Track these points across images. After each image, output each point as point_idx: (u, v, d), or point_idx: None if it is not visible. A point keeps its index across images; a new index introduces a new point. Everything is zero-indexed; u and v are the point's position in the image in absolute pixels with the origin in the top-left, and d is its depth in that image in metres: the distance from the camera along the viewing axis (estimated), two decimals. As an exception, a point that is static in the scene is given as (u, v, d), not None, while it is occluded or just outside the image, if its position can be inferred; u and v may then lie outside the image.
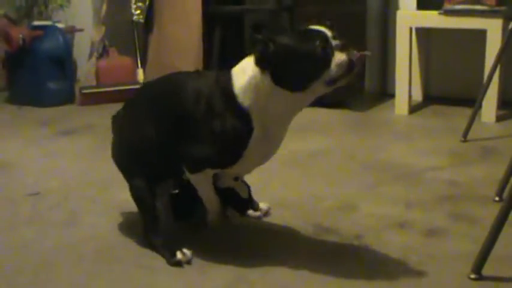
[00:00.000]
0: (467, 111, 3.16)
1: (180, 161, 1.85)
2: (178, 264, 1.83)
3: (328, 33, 1.72)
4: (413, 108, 3.83)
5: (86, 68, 4.65)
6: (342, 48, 1.69)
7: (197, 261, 1.85)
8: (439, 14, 3.53)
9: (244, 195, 2.12)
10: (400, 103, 3.75)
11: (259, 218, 2.17)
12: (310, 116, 3.77)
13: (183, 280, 1.76)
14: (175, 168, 1.88)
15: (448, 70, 4.13)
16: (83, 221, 2.19)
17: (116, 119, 2.07)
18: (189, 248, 1.87)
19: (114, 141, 2.05)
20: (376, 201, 2.32)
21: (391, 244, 1.94)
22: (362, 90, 3.84)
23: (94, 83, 4.41)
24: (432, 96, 4.12)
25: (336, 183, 2.55)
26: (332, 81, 1.70)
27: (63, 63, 4.40)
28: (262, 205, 2.20)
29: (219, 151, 1.79)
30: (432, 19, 3.59)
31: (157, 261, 1.87)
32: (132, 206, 1.99)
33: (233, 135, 1.76)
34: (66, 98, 4.35)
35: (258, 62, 1.71)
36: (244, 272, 1.78)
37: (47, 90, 4.33)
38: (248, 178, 2.13)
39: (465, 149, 2.98)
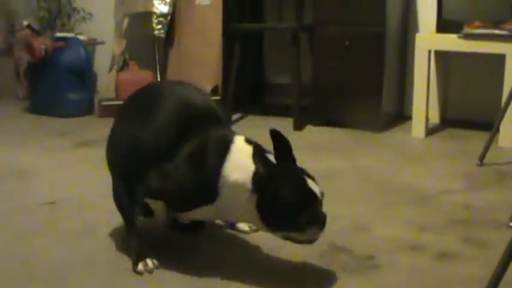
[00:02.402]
0: (484, 135, 3.15)
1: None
2: (139, 273, 1.88)
3: (319, 195, 1.80)
4: (430, 131, 3.82)
5: (105, 81, 4.70)
6: (323, 223, 1.79)
7: (204, 277, 1.86)
8: (459, 37, 3.53)
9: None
10: (417, 125, 3.75)
11: (246, 232, 2.19)
12: (325, 135, 3.79)
13: (193, 294, 1.77)
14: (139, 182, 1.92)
15: (466, 93, 4.12)
16: (98, 232, 2.21)
17: (116, 115, 2.12)
18: (154, 259, 1.91)
19: (108, 137, 2.10)
20: (389, 223, 2.32)
21: (402, 266, 1.94)
22: (379, 111, 3.84)
23: (113, 95, 4.45)
24: (449, 120, 4.11)
25: (350, 204, 2.55)
26: (301, 242, 1.80)
27: (83, 74, 4.46)
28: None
29: (171, 196, 1.85)
30: (451, 42, 3.59)
31: (170, 274, 1.88)
32: (146, 219, 2.01)
33: (189, 197, 1.82)
34: (85, 109, 4.40)
35: (254, 184, 1.75)
36: (252, 285, 1.79)
37: (66, 101, 4.38)
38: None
39: (481, 173, 2.97)
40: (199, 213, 1.86)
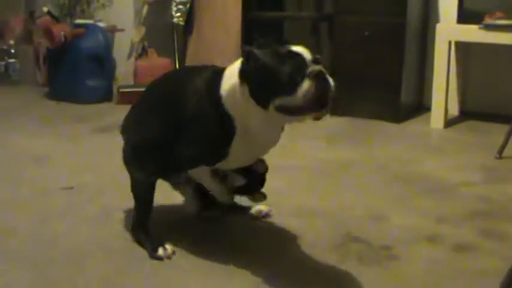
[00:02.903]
0: (504, 128, 3.12)
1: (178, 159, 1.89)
2: (159, 258, 1.89)
3: (308, 57, 1.70)
4: (449, 122, 3.80)
5: (124, 67, 4.71)
6: (317, 76, 1.65)
7: (222, 264, 1.87)
8: (479, 28, 3.50)
9: (238, 183, 2.10)
10: (436, 116, 3.73)
11: (261, 215, 2.22)
12: (344, 125, 3.77)
13: (211, 280, 1.78)
14: (176, 164, 1.92)
15: (486, 85, 4.09)
16: (115, 217, 2.23)
17: (125, 121, 2.12)
18: (171, 244, 1.93)
19: (123, 140, 2.10)
20: (407, 213, 2.32)
21: (419, 256, 1.93)
22: (398, 101, 3.82)
23: (132, 82, 4.47)
24: (469, 111, 4.09)
25: (367, 194, 2.54)
26: (299, 111, 1.68)
27: (102, 61, 4.47)
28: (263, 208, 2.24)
29: (203, 151, 1.84)
30: (472, 33, 3.56)
31: (186, 261, 1.89)
32: (163, 203, 2.02)
33: (214, 137, 1.80)
34: (104, 96, 4.42)
35: (239, 74, 1.74)
36: (269, 276, 1.79)
37: (85, 87, 4.40)
38: (278, 186, 2.13)
39: (499, 166, 2.95)
40: (238, 150, 1.81)
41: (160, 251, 1.90)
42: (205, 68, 1.93)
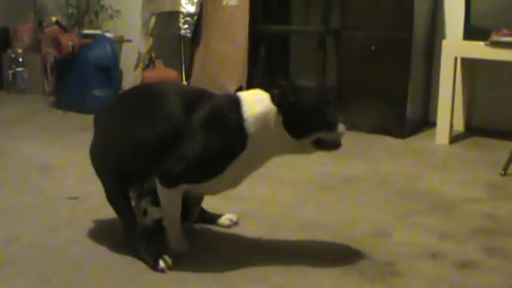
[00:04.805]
0: (509, 145, 3.12)
1: (154, 172, 1.91)
2: (161, 271, 1.89)
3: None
4: (454, 138, 3.80)
5: (131, 78, 4.73)
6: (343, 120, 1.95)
7: (222, 276, 1.87)
8: (486, 45, 3.50)
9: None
10: (441, 132, 3.73)
11: (232, 223, 2.27)
12: (349, 140, 3.77)
13: (212, 293, 1.78)
14: (146, 175, 1.96)
15: (491, 102, 4.09)
16: (119, 227, 2.22)
17: (99, 117, 2.16)
18: (169, 256, 1.93)
19: (94, 140, 2.12)
20: (410, 230, 2.31)
21: (422, 273, 1.93)
22: (403, 117, 3.82)
23: (138, 93, 4.48)
24: (474, 127, 4.09)
25: (371, 209, 2.54)
26: (332, 146, 1.95)
27: (109, 71, 4.49)
28: (229, 216, 2.29)
29: (203, 163, 1.86)
30: (478, 50, 3.56)
31: (188, 273, 1.89)
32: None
33: (226, 147, 1.86)
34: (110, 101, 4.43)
35: (279, 103, 1.87)
36: (274, 290, 1.79)
37: (92, 97, 4.42)
38: (282, 199, 2.13)
39: (504, 183, 2.94)
40: (234, 169, 1.88)
41: (162, 264, 1.90)
42: (193, 87, 2.12)
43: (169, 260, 1.92)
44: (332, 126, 1.91)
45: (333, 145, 1.94)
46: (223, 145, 1.85)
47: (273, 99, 1.87)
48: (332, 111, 1.93)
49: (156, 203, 2.03)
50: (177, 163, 1.85)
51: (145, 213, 2.13)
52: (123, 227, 2.04)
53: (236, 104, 1.88)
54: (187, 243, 2.03)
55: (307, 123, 1.88)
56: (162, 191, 1.92)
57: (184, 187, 1.91)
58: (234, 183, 1.98)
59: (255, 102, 1.88)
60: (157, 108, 1.91)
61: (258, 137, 1.86)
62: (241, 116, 1.86)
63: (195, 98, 1.92)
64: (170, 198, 1.94)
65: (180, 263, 1.93)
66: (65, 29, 4.66)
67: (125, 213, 2.03)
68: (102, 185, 2.06)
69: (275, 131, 1.87)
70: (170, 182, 1.89)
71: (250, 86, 4.32)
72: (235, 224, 2.27)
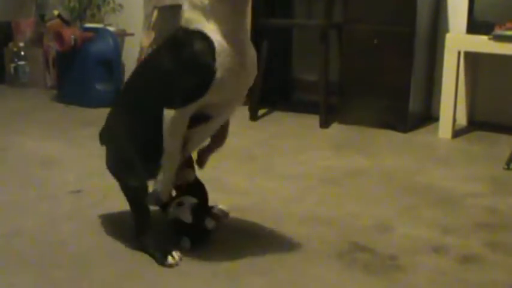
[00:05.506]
0: (512, 139, 3.11)
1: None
2: (170, 266, 1.89)
3: None
4: (457, 133, 3.79)
5: (133, 72, 4.72)
6: None
7: (226, 270, 1.87)
8: (489, 39, 3.49)
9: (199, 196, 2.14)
10: (444, 126, 3.72)
11: (224, 214, 2.22)
12: (351, 134, 3.77)
13: (214, 286, 1.78)
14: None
15: (494, 96, 4.08)
16: (121, 221, 2.23)
17: (103, 132, 2.14)
18: (177, 250, 1.93)
19: (107, 151, 2.11)
20: (413, 224, 2.31)
21: (424, 267, 1.93)
22: (406, 111, 3.81)
23: (140, 87, 4.47)
24: (477, 122, 4.08)
25: (373, 203, 2.54)
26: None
27: (111, 65, 4.49)
28: (222, 207, 2.24)
29: (193, 74, 1.82)
30: (482, 44, 3.55)
31: (189, 266, 1.89)
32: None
33: (201, 52, 1.81)
34: (113, 99, 4.42)
35: None
36: (273, 283, 1.79)
37: (94, 91, 4.42)
38: (285, 193, 2.13)
39: (507, 177, 2.94)
40: (228, 76, 1.83)
41: (171, 259, 1.90)
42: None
43: (176, 256, 1.92)
44: None
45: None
46: (199, 50, 1.82)
47: None
48: None
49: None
50: (177, 86, 1.85)
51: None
52: (137, 225, 2.03)
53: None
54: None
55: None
56: (168, 116, 1.86)
57: (190, 109, 1.86)
58: (233, 94, 1.93)
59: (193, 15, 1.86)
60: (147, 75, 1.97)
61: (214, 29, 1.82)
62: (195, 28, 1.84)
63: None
64: (175, 125, 1.88)
65: (183, 256, 1.93)
66: (67, 23, 4.65)
67: (142, 213, 2.02)
68: (120, 184, 2.05)
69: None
70: (179, 102, 1.85)
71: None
72: (226, 216, 2.24)
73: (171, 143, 1.90)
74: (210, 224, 2.01)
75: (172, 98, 1.85)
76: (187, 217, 2.01)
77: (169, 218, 2.06)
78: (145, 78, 1.97)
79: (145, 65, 2.03)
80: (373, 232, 2.21)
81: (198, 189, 2.14)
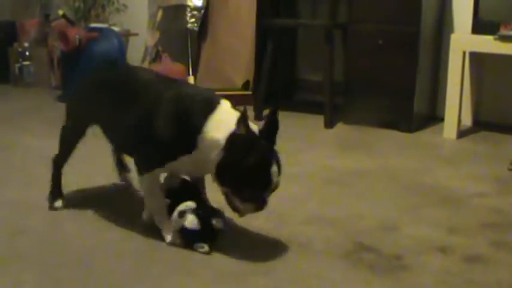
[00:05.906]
0: (517, 139, 3.10)
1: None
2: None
3: (274, 182, 1.91)
4: (462, 133, 3.78)
5: (138, 72, 4.72)
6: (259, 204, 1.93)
7: (231, 270, 1.86)
8: (495, 39, 3.48)
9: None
10: (449, 127, 3.71)
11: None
12: (356, 134, 3.77)
13: (219, 285, 1.77)
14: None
15: (499, 96, 4.07)
16: (126, 220, 2.23)
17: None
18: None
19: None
20: (418, 224, 2.30)
21: (430, 267, 1.92)
22: (411, 111, 3.80)
23: (145, 86, 4.47)
24: (482, 122, 4.07)
25: (378, 203, 2.53)
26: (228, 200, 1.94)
27: (116, 65, 4.48)
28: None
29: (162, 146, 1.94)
30: (487, 44, 3.54)
31: (195, 266, 1.88)
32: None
33: (175, 146, 1.93)
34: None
35: (226, 144, 1.86)
36: (278, 282, 1.78)
37: (98, 91, 4.41)
38: (289, 193, 2.11)
39: (512, 178, 2.93)
40: (181, 164, 1.95)
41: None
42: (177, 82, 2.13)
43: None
44: (242, 200, 1.89)
45: (233, 207, 1.93)
46: (178, 141, 1.92)
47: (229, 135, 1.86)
48: (255, 189, 1.88)
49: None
50: (146, 149, 1.98)
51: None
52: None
53: (209, 111, 1.90)
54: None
55: (229, 178, 1.88)
56: (140, 180, 2.03)
57: (158, 171, 2.01)
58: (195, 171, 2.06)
59: (221, 125, 1.88)
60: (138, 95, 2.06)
61: (204, 151, 1.89)
62: (202, 128, 1.88)
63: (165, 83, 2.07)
64: (149, 186, 2.03)
65: (187, 256, 1.93)
66: (71, 23, 4.65)
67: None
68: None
69: (214, 158, 1.88)
70: (144, 168, 2.01)
71: (257, 80, 4.31)
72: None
73: (151, 200, 2.07)
74: (218, 223, 2.00)
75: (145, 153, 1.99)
76: (194, 224, 1.99)
77: (175, 230, 2.02)
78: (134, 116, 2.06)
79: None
80: (379, 232, 2.21)
81: (188, 189, 2.15)
